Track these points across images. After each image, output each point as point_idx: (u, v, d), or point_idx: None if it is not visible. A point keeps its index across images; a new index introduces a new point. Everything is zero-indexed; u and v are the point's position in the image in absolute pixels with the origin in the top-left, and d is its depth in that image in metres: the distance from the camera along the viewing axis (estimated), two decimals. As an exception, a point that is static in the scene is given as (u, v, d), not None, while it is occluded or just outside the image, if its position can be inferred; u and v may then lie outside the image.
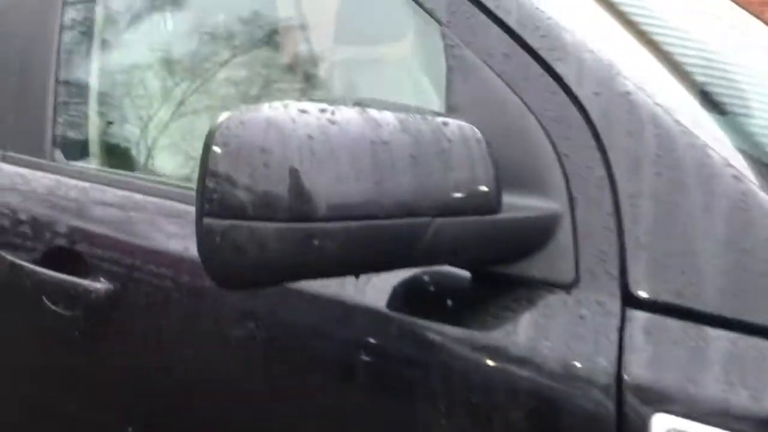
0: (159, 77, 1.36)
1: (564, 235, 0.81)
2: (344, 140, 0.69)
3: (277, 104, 0.71)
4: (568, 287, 0.81)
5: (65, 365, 1.23)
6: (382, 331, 0.88)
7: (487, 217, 0.77)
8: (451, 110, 0.89)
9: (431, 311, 0.86)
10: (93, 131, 1.33)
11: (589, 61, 0.84)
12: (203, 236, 0.69)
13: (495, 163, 0.77)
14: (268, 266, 0.69)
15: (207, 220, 0.69)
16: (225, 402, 1.02)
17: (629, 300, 0.77)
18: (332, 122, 0.70)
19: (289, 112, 0.70)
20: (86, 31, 1.35)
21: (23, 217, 1.24)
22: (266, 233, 0.67)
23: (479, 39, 0.89)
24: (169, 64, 1.37)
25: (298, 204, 0.67)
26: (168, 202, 1.10)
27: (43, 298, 1.19)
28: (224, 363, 1.01)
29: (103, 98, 1.36)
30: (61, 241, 1.19)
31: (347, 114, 0.71)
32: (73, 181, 1.23)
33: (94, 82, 1.36)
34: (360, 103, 0.74)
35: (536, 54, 0.86)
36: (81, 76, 1.34)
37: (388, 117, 0.73)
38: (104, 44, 1.36)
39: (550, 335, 0.79)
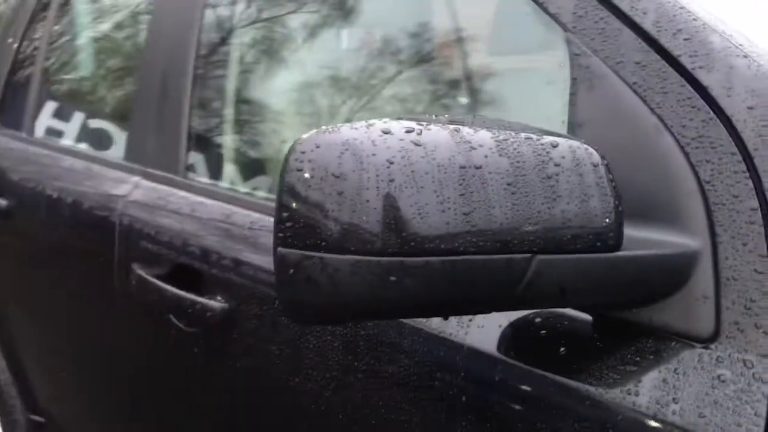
0: (291, 101, 1.35)
1: (703, 278, 0.68)
2: (429, 165, 0.61)
3: (359, 124, 0.64)
4: (705, 341, 0.67)
5: (184, 380, 1.24)
6: (486, 375, 0.79)
7: (604, 255, 0.65)
8: (574, 127, 0.78)
9: (542, 357, 0.75)
10: (224, 153, 1.34)
11: (741, 69, 0.69)
12: (277, 267, 0.64)
13: (616, 191, 0.65)
14: (341, 302, 0.62)
15: (281, 250, 0.64)
16: (325, 427, 0.97)
17: (785, 363, 0.62)
18: (417, 144, 0.62)
19: (369, 134, 0.62)
20: (219, 60, 1.37)
21: (155, 232, 1.27)
22: (339, 266, 0.61)
23: (609, 45, 0.77)
24: (303, 86, 1.35)
25: (373, 237, 0.60)
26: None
27: (169, 314, 1.22)
28: (325, 388, 0.96)
29: (235, 121, 1.37)
30: (185, 259, 1.21)
31: (436, 135, 0.63)
32: (201, 199, 1.24)
33: (226, 107, 1.37)
34: (456, 121, 0.66)
35: (676, 61, 0.73)
36: (214, 102, 1.36)
37: (484, 138, 0.63)
38: (237, 72, 1.37)
39: (680, 398, 0.65)
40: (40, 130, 1.84)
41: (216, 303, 1.11)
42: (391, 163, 0.61)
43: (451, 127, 0.65)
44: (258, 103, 1.41)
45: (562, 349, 0.75)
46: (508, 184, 0.62)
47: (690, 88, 0.71)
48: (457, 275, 0.62)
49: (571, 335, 0.76)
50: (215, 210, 1.21)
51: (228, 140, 1.34)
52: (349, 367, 0.93)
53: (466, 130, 0.64)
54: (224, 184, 1.30)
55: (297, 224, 0.62)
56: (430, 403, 0.84)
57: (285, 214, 0.63)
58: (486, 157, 0.62)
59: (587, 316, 0.75)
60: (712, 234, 0.68)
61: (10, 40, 2.04)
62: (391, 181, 0.60)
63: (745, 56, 0.70)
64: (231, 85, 1.37)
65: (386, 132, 0.63)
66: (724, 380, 0.64)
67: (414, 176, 0.60)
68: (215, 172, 1.33)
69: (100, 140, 1.71)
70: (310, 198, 0.62)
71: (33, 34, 1.99)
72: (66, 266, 1.58)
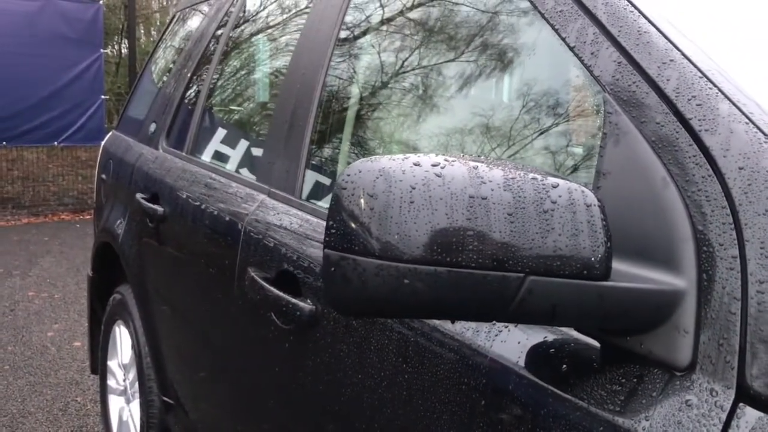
0: (407, 135, 1.52)
1: (686, 314, 0.77)
2: (443, 193, 0.75)
3: (398, 157, 0.80)
4: (683, 370, 0.75)
5: (280, 371, 1.43)
6: (504, 384, 0.90)
7: (593, 283, 0.76)
8: (600, 176, 0.89)
9: (548, 373, 0.86)
10: (331, 178, 1.54)
11: (739, 133, 0.78)
12: (323, 264, 0.81)
13: (606, 229, 0.76)
14: (368, 298, 0.78)
15: (327, 251, 0.80)
16: (382, 418, 1.11)
17: (744, 394, 0.70)
18: (438, 175, 0.77)
19: (403, 164, 0.78)
20: (340, 99, 1.58)
21: (268, 241, 1.49)
22: (366, 268, 0.76)
23: (637, 107, 0.88)
24: (427, 120, 1.52)
25: (393, 245, 0.75)
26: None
27: (272, 313, 1.42)
28: (379, 385, 1.11)
29: (346, 153, 1.57)
30: (288, 265, 1.41)
31: (457, 169, 0.77)
32: (308, 217, 1.44)
33: (342, 140, 1.57)
34: (477, 160, 0.80)
35: (687, 123, 0.82)
36: (330, 134, 1.56)
37: (495, 175, 0.77)
38: (354, 113, 1.57)
39: (651, 416, 0.74)
40: (206, 154, 2.15)
41: (305, 304, 1.29)
42: (413, 188, 0.76)
43: (471, 164, 0.79)
44: (363, 138, 1.59)
45: (564, 366, 0.85)
46: (509, 214, 0.75)
47: (696, 147, 0.81)
48: (459, 285, 0.75)
49: (574, 356, 0.86)
50: (314, 225, 1.40)
51: (338, 168, 1.54)
52: (398, 368, 1.07)
53: (482, 167, 0.78)
54: (324, 204, 1.50)
55: (339, 231, 0.79)
56: (459, 404, 0.97)
57: (331, 222, 0.80)
58: (492, 190, 0.76)
59: (594, 342, 0.85)
60: (699, 277, 0.76)
61: (184, 71, 2.40)
62: (411, 203, 0.75)
63: (747, 122, 0.79)
64: (348, 122, 1.57)
65: (416, 164, 0.78)
66: (690, 405, 0.73)
67: (430, 201, 0.75)
68: (322, 194, 1.53)
69: (233, 162, 1.98)
70: (349, 211, 0.78)
71: (200, 70, 2.34)
72: (202, 268, 1.84)
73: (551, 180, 0.78)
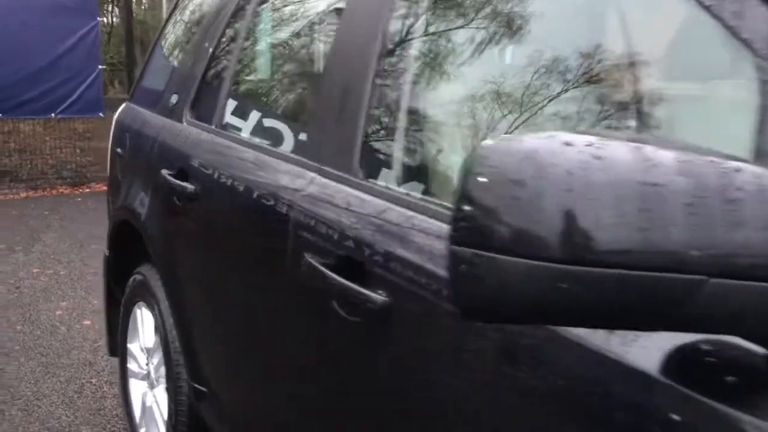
0: (456, 113, 1.39)
1: None
2: (607, 179, 0.63)
3: (541, 135, 0.67)
4: None
5: (341, 365, 1.31)
6: (645, 395, 0.78)
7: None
8: (761, 156, 0.77)
9: (706, 385, 0.74)
10: (395, 155, 1.40)
11: None
12: (451, 262, 0.68)
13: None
14: (506, 302, 0.66)
15: (454, 247, 0.68)
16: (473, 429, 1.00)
17: None
18: (597, 158, 0.64)
19: (551, 144, 0.65)
20: (396, 71, 1.43)
21: (327, 224, 1.36)
22: (509, 268, 0.64)
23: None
24: (467, 99, 1.39)
25: (547, 243, 0.62)
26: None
27: (333, 302, 1.29)
28: (477, 391, 0.99)
29: (408, 125, 1.43)
30: (353, 251, 1.28)
31: (616, 150, 0.65)
32: (370, 198, 1.31)
33: (400, 112, 1.43)
34: (637, 139, 0.67)
35: None
36: (387, 109, 1.42)
37: (665, 157, 0.64)
38: (410, 84, 1.42)
39: None
40: (239, 129, 2.01)
41: (378, 296, 1.17)
42: (571, 173, 0.63)
43: (632, 144, 0.66)
44: (424, 113, 1.46)
45: (729, 378, 0.74)
46: (687, 205, 0.62)
47: None
48: (627, 289, 0.63)
49: (741, 367, 0.74)
50: (384, 209, 1.27)
51: (399, 145, 1.40)
52: (503, 374, 0.95)
53: (647, 148, 0.65)
54: (394, 186, 1.37)
55: (471, 224, 0.66)
56: (582, 419, 0.85)
57: (461, 214, 0.67)
58: (666, 175, 0.63)
59: (761, 349, 0.73)
60: None
61: (206, 44, 2.25)
62: (569, 191, 0.62)
63: None
64: (404, 95, 1.43)
65: (568, 144, 0.65)
66: None
67: (592, 188, 0.63)
68: (385, 174, 1.39)
69: (272, 137, 1.84)
70: (486, 201, 0.65)
71: (225, 41, 2.18)
72: (242, 251, 1.71)
73: (733, 164, 0.65)
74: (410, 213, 1.20)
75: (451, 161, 1.35)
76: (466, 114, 1.38)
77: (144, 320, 2.54)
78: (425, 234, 1.14)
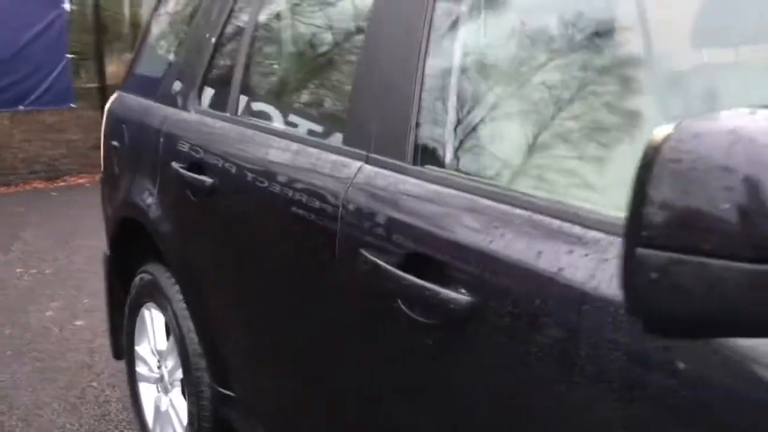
0: (528, 89, 1.28)
1: None
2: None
3: (741, 111, 0.56)
4: None
5: (408, 371, 1.21)
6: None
7: None
8: None
9: None
10: (451, 138, 1.29)
11: None
12: (634, 268, 0.57)
13: None
14: (719, 314, 0.55)
15: (642, 251, 0.57)
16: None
17: None
18: (822, 137, 0.53)
19: (757, 122, 0.54)
20: (448, 46, 1.31)
21: (387, 218, 1.24)
22: (724, 274, 0.53)
23: None
24: (534, 78, 1.28)
25: (773, 242, 0.52)
26: (539, 217, 1.01)
27: (399, 301, 1.18)
28: (592, 410, 0.89)
29: (462, 107, 1.31)
30: (418, 246, 1.17)
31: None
32: (433, 186, 1.19)
33: (453, 92, 1.31)
34: None
35: None
36: (443, 86, 1.30)
37: None
38: (464, 57, 1.31)
39: None
40: (259, 116, 1.87)
41: (460, 295, 1.06)
42: (795, 157, 0.52)
43: None
44: (480, 94, 1.34)
45: None
46: None
47: None
48: None
49: None
50: (457, 200, 1.15)
51: (458, 129, 1.29)
52: (631, 385, 0.85)
53: None
54: (463, 174, 1.25)
55: (667, 222, 0.55)
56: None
57: (651, 210, 0.56)
58: None
59: None
60: None
61: (213, 22, 2.10)
62: (797, 178, 0.52)
63: None
64: (457, 75, 1.31)
65: (779, 121, 0.54)
66: None
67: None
68: (448, 160, 1.28)
69: (298, 126, 1.72)
70: (688, 194, 0.55)
71: (236, 20, 2.03)
72: (279, 248, 1.59)
73: None
74: (489, 203, 1.09)
75: (515, 144, 1.24)
76: (526, 95, 1.27)
77: (154, 321, 2.41)
78: (512, 225, 1.03)
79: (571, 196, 1.03)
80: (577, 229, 0.94)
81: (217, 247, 1.85)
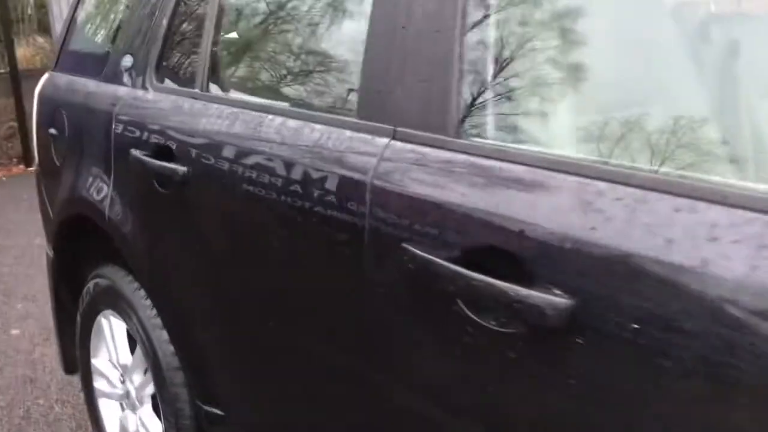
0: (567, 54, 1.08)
1: None
2: None
3: None
4: None
5: (478, 390, 1.00)
6: None
7: None
8: None
9: None
10: (506, 103, 1.08)
11: None
12: None
13: None
14: None
15: None
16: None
17: None
18: None
19: None
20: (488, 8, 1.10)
21: (430, 206, 1.03)
22: None
23: None
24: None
25: None
26: (657, 195, 0.81)
27: (461, 304, 0.97)
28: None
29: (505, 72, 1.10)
30: (485, 237, 0.96)
31: None
32: (493, 163, 0.98)
33: (496, 55, 1.09)
34: None
35: None
36: (484, 49, 1.09)
37: None
38: (503, 21, 1.09)
39: None
40: (240, 90, 1.61)
41: (558, 299, 0.86)
42: None
43: None
44: (521, 54, 1.14)
45: None
46: None
47: None
48: None
49: None
50: (512, 177, 0.95)
51: (512, 92, 1.08)
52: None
53: None
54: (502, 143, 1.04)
55: None
56: None
57: None
58: None
59: None
60: None
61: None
62: None
63: None
64: (504, 36, 1.10)
65: None
66: None
67: None
68: (507, 130, 1.07)
69: (290, 100, 1.47)
70: None
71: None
72: (275, 245, 1.35)
73: None
74: (574, 178, 0.89)
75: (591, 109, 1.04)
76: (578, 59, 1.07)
77: (114, 331, 2.12)
78: (618, 207, 0.84)
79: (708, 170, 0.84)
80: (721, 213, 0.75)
81: (197, 246, 1.59)
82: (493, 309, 0.93)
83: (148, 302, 1.90)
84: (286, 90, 1.49)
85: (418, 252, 1.02)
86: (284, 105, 1.43)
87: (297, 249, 1.30)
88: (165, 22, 1.79)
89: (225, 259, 1.52)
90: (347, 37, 1.33)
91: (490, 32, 1.08)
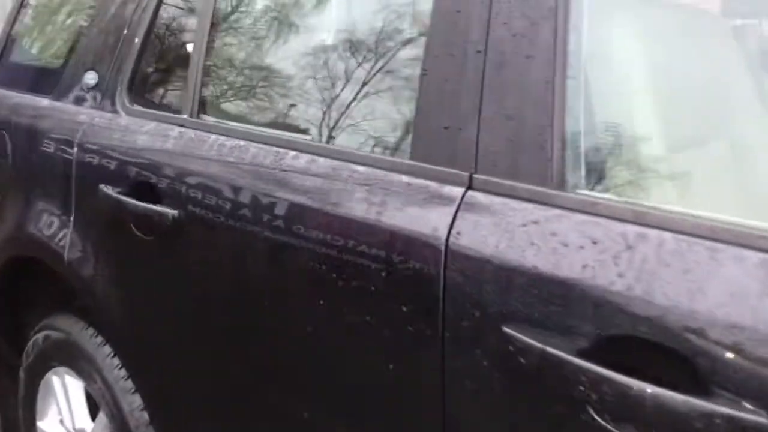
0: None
1: None
2: None
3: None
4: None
5: None
6: None
7: None
8: None
9: None
10: (608, 151, 0.88)
11: None
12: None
13: None
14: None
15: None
16: None
17: None
18: None
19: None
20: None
21: (544, 281, 0.81)
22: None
23: None
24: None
25: None
26: None
27: (592, 411, 0.76)
28: None
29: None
30: (629, 329, 0.75)
31: None
32: (612, 225, 0.78)
33: (609, 85, 0.91)
34: None
35: None
36: (592, 78, 0.89)
37: None
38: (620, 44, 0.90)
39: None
40: (243, 119, 1.35)
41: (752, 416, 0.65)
42: None
43: None
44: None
45: None
46: None
47: None
48: None
49: None
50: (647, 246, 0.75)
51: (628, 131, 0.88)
52: None
53: None
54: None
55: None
56: None
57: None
58: None
59: None
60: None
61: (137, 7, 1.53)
62: None
63: None
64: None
65: None
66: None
67: None
68: (611, 180, 0.87)
69: (313, 132, 1.23)
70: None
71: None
72: (295, 314, 1.10)
73: None
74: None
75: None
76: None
77: (70, 391, 1.82)
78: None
79: None
80: None
81: (189, 303, 1.32)
82: (655, 419, 0.72)
83: (116, 361, 1.62)
84: (312, 121, 1.24)
85: (530, 342, 0.80)
86: (307, 139, 1.19)
87: (336, 325, 1.06)
88: (141, 33, 1.51)
89: (226, 324, 1.26)
90: (397, 60, 1.10)
91: (601, 58, 0.88)
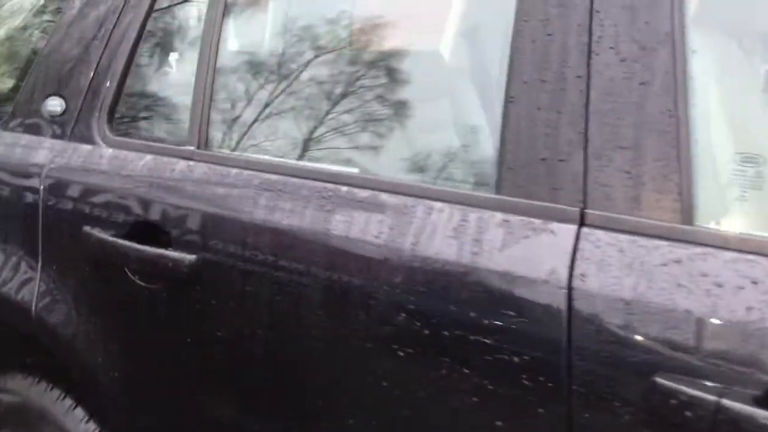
0: None
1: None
2: None
3: None
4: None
5: None
6: None
7: None
8: None
9: None
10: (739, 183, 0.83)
11: None
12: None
13: None
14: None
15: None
16: None
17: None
18: None
19: None
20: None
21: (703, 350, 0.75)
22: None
23: None
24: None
25: None
26: None
27: None
28: None
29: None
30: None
31: None
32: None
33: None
34: None
35: None
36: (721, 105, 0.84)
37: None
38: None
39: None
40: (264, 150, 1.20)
41: None
42: None
43: None
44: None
45: None
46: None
47: None
48: None
49: None
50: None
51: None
52: None
53: None
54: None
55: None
56: None
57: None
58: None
59: None
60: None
61: (120, 21, 1.36)
62: None
63: None
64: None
65: None
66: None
67: None
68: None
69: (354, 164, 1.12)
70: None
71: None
72: (346, 375, 0.98)
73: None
74: None
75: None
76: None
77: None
78: None
79: None
80: None
81: (210, 362, 1.16)
82: None
83: (91, 426, 1.42)
84: (361, 149, 1.12)
85: (701, 395, 0.72)
86: (354, 171, 1.07)
87: (399, 389, 0.94)
88: (125, 50, 1.33)
89: (253, 394, 1.10)
90: (471, 80, 1.01)
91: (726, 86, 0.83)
